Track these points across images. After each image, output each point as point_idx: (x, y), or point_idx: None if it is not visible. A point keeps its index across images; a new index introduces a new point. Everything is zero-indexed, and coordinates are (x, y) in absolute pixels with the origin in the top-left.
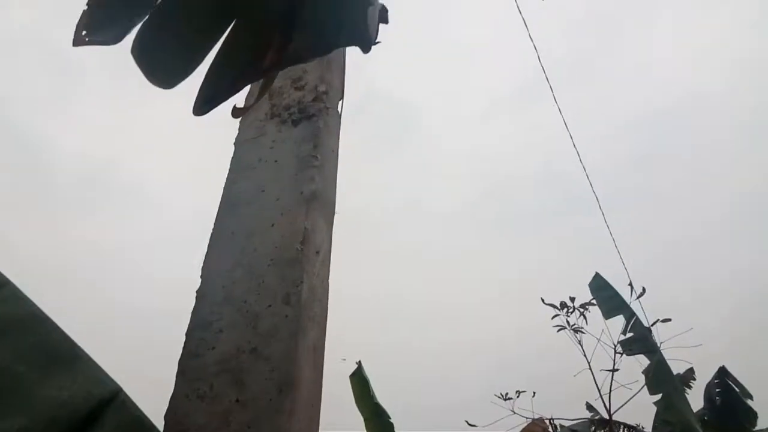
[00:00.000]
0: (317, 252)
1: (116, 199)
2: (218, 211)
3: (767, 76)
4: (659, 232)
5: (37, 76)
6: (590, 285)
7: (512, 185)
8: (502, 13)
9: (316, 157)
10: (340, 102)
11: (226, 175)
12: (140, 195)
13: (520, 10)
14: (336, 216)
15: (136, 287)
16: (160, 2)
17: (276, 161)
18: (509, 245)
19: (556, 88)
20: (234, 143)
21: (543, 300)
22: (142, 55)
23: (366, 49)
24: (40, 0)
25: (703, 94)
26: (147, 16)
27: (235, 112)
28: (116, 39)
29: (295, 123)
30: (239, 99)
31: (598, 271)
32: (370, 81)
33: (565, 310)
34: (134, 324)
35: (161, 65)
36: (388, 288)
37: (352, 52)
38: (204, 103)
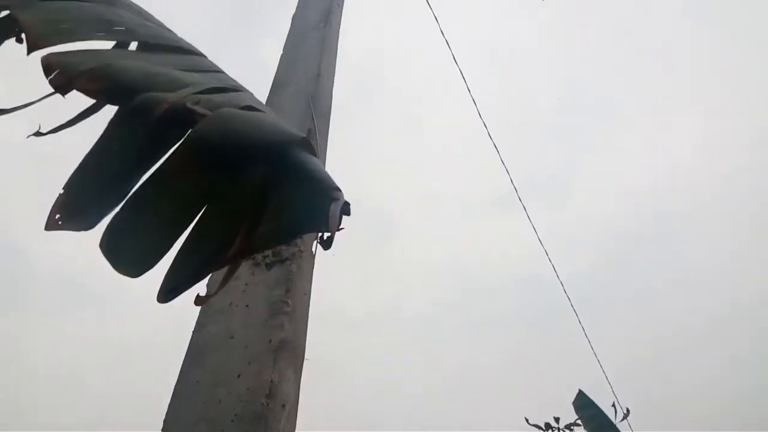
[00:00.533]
0: (283, 405)
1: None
2: (185, 357)
3: (737, 184)
4: (640, 336)
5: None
6: (574, 403)
7: (489, 291)
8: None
9: (287, 302)
10: (315, 242)
11: (196, 318)
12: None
13: (490, 136)
14: (306, 362)
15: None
16: (134, 192)
17: (247, 306)
18: (486, 352)
19: (530, 197)
20: (206, 285)
21: (527, 420)
22: (110, 246)
23: (327, 245)
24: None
25: (674, 202)
26: (119, 207)
27: (198, 300)
28: (88, 226)
29: (268, 266)
30: (202, 286)
31: (581, 388)
32: (351, 190)
33: (550, 431)
34: None
35: (130, 256)
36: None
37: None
38: (168, 292)
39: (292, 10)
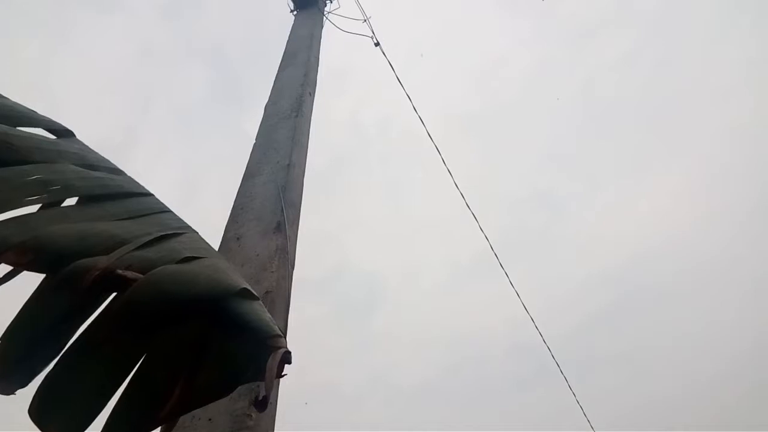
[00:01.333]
0: None
1: None
2: None
3: (712, 230)
4: (628, 394)
5: None
6: None
7: (475, 355)
8: (454, 197)
9: (251, 415)
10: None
11: None
12: None
13: (468, 205)
14: None
15: None
16: (64, 354)
17: (210, 419)
18: (476, 419)
19: (510, 258)
20: None
21: None
22: (40, 408)
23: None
24: None
25: (651, 255)
26: (50, 369)
27: None
28: (19, 386)
29: None
30: None
31: None
32: (340, 254)
33: None
34: None
35: (61, 418)
36: None
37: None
38: None
39: (270, 87)
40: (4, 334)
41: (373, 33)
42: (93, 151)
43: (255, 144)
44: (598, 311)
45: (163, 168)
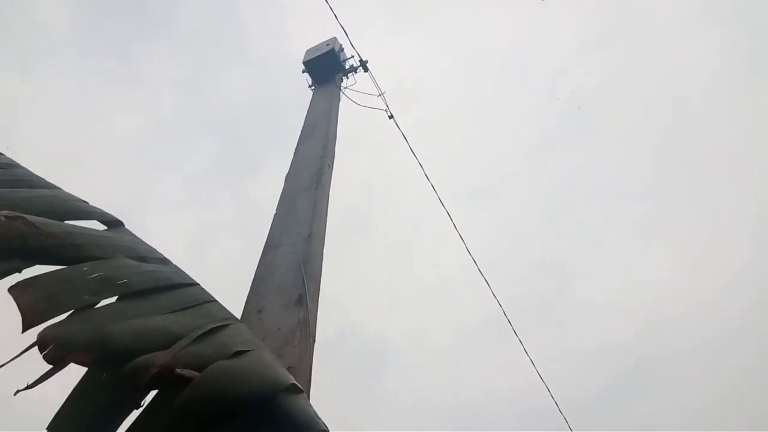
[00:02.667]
0: None
1: None
2: None
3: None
4: None
5: None
6: None
7: (484, 422)
8: (465, 262)
9: None
10: None
11: None
12: None
13: (480, 270)
14: None
15: None
16: None
17: None
18: None
19: (519, 324)
20: None
21: None
22: None
23: None
24: None
25: (661, 321)
26: None
27: None
28: None
29: None
30: None
31: None
32: (345, 316)
33: None
34: None
35: None
36: None
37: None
38: None
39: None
40: (50, 424)
41: (387, 107)
42: (142, 241)
43: (276, 214)
44: (614, 381)
45: (173, 230)
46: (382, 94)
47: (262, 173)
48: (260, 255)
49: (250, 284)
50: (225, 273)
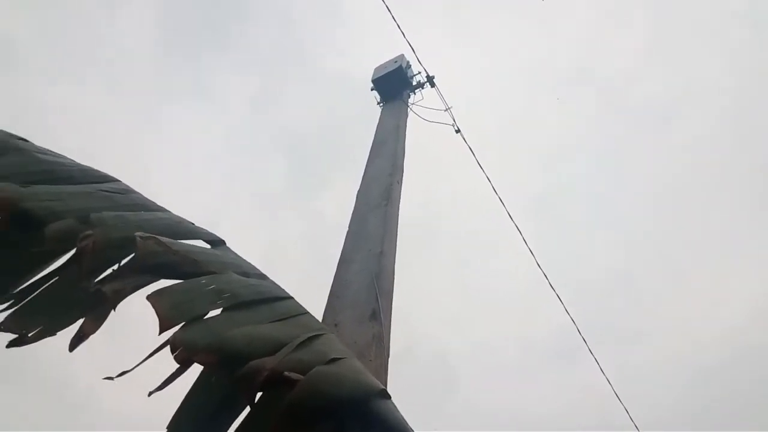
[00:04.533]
0: None
1: None
2: None
3: None
4: None
5: None
6: None
7: None
8: (535, 278)
9: None
10: None
11: None
12: None
13: (551, 285)
14: None
15: None
16: None
17: None
18: None
19: (596, 342)
20: None
21: None
22: None
23: None
24: None
25: (750, 346)
26: None
27: None
28: None
29: None
30: None
31: None
32: (413, 330)
33: None
34: None
35: None
36: None
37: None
38: None
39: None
40: (170, 423)
41: (454, 121)
42: (243, 258)
43: (348, 232)
44: (694, 407)
45: (245, 248)
46: (449, 108)
47: (331, 190)
48: (334, 271)
49: (325, 300)
50: (298, 289)
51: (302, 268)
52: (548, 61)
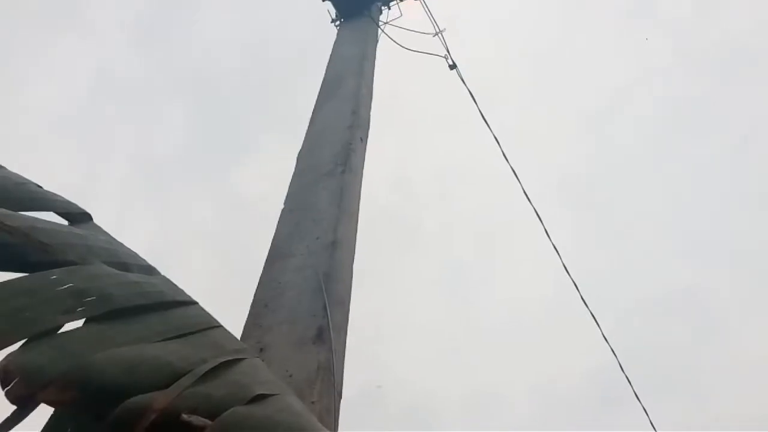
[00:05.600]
0: None
1: None
2: None
3: None
4: None
5: None
6: None
7: None
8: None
9: None
10: None
11: None
12: None
13: (585, 301)
14: None
15: None
16: None
17: None
18: None
19: (641, 388)
20: None
21: None
22: None
23: None
24: None
25: None
26: None
27: None
28: None
29: None
30: None
31: None
32: (379, 362)
33: None
34: None
35: None
36: None
37: None
38: None
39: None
40: None
41: (447, 51)
42: (120, 242)
43: (283, 211)
44: None
45: (130, 229)
46: (441, 32)
47: (255, 155)
48: (261, 270)
49: (245, 311)
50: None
51: (209, 265)
52: None
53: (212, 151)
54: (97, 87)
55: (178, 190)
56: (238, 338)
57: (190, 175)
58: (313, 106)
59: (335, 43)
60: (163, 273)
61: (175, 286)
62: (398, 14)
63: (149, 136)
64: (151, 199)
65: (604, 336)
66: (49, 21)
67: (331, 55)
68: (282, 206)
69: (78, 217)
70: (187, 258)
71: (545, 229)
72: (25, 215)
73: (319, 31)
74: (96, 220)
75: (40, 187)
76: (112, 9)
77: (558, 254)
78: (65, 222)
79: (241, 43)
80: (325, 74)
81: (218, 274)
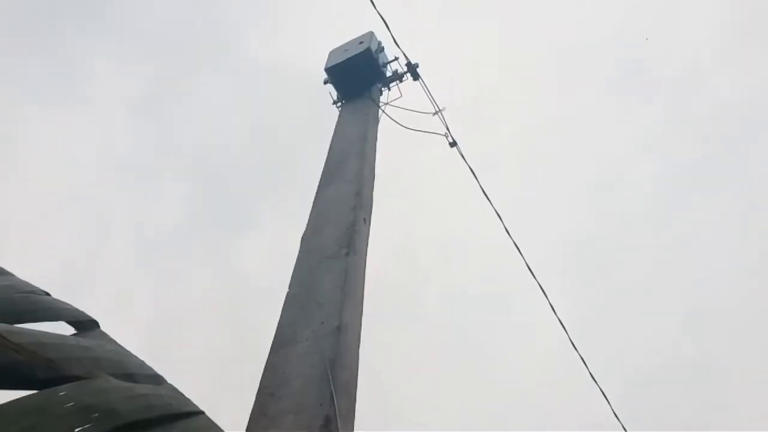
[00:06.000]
0: None
1: None
2: None
3: None
4: None
5: None
6: None
7: None
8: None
9: None
10: None
11: None
12: None
13: (586, 364)
14: None
15: None
16: None
17: None
18: None
19: None
20: None
21: None
22: None
23: None
24: None
25: None
26: None
27: None
28: None
29: None
30: None
31: None
32: None
33: None
34: None
35: None
36: None
37: None
38: None
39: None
40: None
41: (447, 129)
42: (127, 351)
43: (288, 296)
44: None
45: (129, 311)
46: (440, 111)
47: (257, 233)
48: (266, 357)
49: (250, 401)
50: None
51: (212, 343)
52: (588, 43)
53: (214, 228)
54: (98, 163)
55: (179, 267)
56: (245, 428)
57: (191, 252)
58: (316, 185)
59: (337, 123)
60: (168, 375)
61: (182, 395)
62: (398, 95)
63: (150, 212)
64: (151, 275)
65: (613, 411)
66: (49, 98)
67: (333, 136)
68: (286, 291)
69: (85, 324)
70: (189, 336)
71: (550, 304)
72: (31, 330)
73: (323, 112)
74: (97, 296)
75: (48, 294)
76: (114, 86)
77: (564, 328)
78: (72, 329)
79: (242, 120)
80: (328, 155)
81: (221, 351)
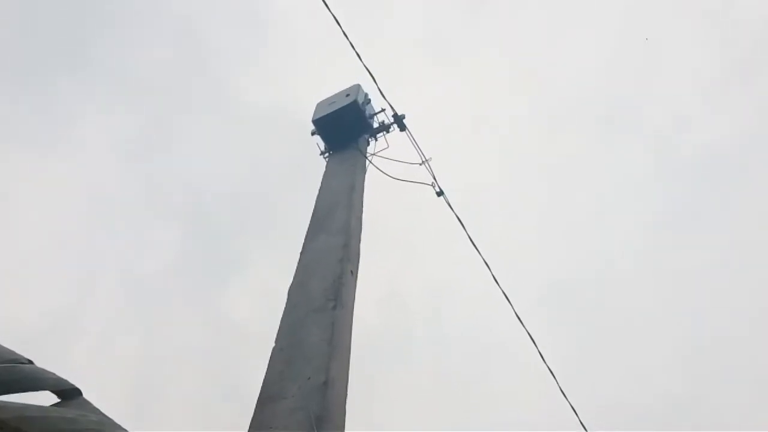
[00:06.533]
0: None
1: None
2: None
3: None
4: None
5: None
6: None
7: None
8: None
9: None
10: None
11: None
12: None
13: (583, 425)
14: None
15: None
16: None
17: None
18: None
19: None
20: None
21: None
22: None
23: None
24: None
25: None
26: None
27: None
28: None
29: None
30: None
31: None
32: None
33: None
34: None
35: None
36: None
37: None
38: None
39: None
40: None
41: (434, 179)
42: (108, 420)
43: (274, 349)
44: None
45: (116, 348)
46: (427, 161)
47: (245, 281)
48: (253, 411)
49: None
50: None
51: (198, 392)
52: (570, 94)
53: (200, 274)
54: (86, 207)
55: (166, 312)
56: None
57: (177, 297)
58: (304, 232)
59: (324, 174)
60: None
61: None
62: (385, 145)
63: (136, 256)
64: (137, 320)
65: None
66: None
67: (320, 187)
68: (273, 344)
69: (69, 393)
70: (176, 382)
71: (540, 353)
72: (14, 404)
73: (310, 163)
74: (84, 340)
75: (31, 362)
76: (103, 130)
77: (555, 378)
78: (55, 397)
79: (231, 168)
80: (315, 205)
81: (206, 400)
